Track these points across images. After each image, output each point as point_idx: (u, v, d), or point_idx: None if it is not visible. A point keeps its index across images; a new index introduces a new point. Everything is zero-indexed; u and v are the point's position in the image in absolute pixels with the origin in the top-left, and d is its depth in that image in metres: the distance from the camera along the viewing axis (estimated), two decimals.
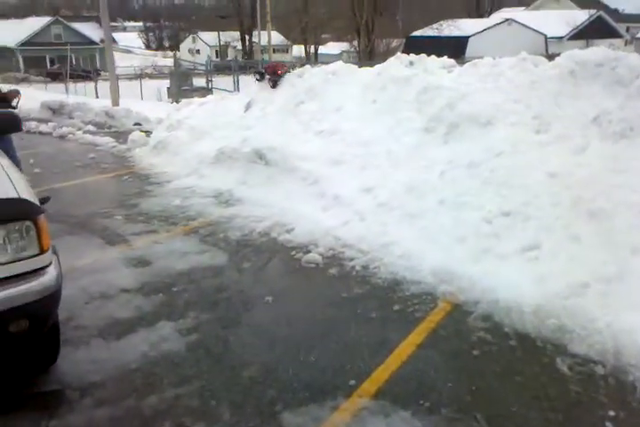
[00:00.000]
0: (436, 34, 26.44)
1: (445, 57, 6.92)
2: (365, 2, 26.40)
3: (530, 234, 3.75)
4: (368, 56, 25.10)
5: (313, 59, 59.90)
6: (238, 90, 14.02)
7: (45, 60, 44.96)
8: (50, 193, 6.36)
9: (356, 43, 47.70)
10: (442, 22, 27.37)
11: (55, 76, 33.35)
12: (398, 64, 6.74)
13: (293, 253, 4.23)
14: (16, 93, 5.51)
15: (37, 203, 2.48)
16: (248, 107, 7.87)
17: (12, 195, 2.35)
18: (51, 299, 2.33)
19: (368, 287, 3.61)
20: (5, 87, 19.13)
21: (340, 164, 5.57)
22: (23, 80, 34.82)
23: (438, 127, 5.35)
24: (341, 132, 6.11)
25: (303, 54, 63.69)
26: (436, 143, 5.19)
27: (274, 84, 7.65)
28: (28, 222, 2.29)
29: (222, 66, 26.07)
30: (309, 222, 4.73)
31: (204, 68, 20.64)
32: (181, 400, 2.53)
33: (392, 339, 2.99)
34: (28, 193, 2.50)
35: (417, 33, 27.84)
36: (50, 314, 2.42)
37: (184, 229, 4.88)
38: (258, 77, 8.05)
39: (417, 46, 21.94)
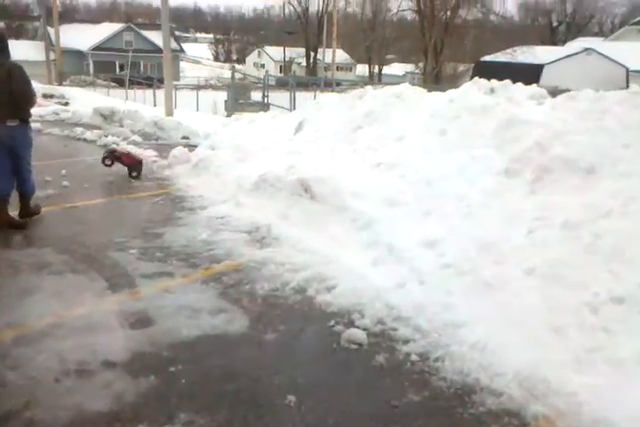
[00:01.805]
0: (508, 60, 25.22)
1: (520, 84, 5.95)
2: (436, 22, 25.51)
3: None
4: (434, 79, 24.13)
5: (377, 79, 59.43)
6: (294, 107, 13.33)
7: (115, 66, 46.06)
8: (71, 213, 5.73)
9: (421, 64, 46.95)
10: (516, 48, 26.16)
11: (121, 82, 33.87)
12: (476, 90, 5.82)
13: (332, 322, 3.33)
14: None
15: None
16: (299, 128, 7.08)
17: None
18: None
19: (427, 394, 2.66)
20: (62, 89, 19.12)
21: (397, 205, 4.67)
22: (90, 84, 35.60)
23: (524, 171, 4.38)
24: (402, 166, 5.22)
25: (367, 73, 63.36)
26: (520, 191, 4.22)
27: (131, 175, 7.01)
28: None
29: (284, 81, 25.64)
30: (355, 279, 3.83)
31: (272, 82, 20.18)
32: None
33: None
34: None
35: (488, 58, 26.69)
36: None
37: (204, 273, 4.06)
38: (108, 163, 7.19)
39: (487, 71, 20.84)
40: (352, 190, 4.88)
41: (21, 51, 44.30)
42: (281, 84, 25.72)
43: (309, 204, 5.13)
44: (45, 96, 16.31)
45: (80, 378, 2.66)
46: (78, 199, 6.04)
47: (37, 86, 17.36)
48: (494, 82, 5.79)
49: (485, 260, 3.63)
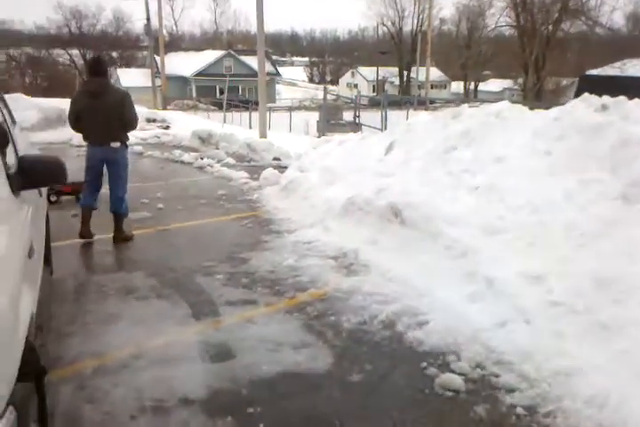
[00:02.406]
0: (617, 73, 23.62)
1: (638, 100, 5.35)
2: (537, 36, 24.44)
3: None
4: (535, 95, 23.04)
5: (472, 95, 58.10)
6: (386, 127, 13.11)
7: (215, 90, 48.22)
8: (163, 236, 5.78)
9: (520, 80, 45.36)
10: (625, 61, 24.50)
11: (220, 106, 35.32)
12: (584, 108, 5.32)
13: (424, 364, 3.03)
14: None
15: None
16: (389, 149, 6.84)
17: None
18: None
19: None
20: (164, 113, 20.02)
21: (497, 233, 4.28)
22: (192, 108, 37.43)
23: None
24: (502, 190, 4.81)
25: (461, 90, 62.12)
26: None
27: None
28: None
29: (376, 101, 25.54)
30: (450, 315, 3.50)
31: (364, 101, 20.15)
32: None
33: None
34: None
35: (594, 71, 25.16)
36: None
37: (288, 303, 3.89)
38: (53, 199, 6.59)
39: (593, 86, 19.57)
40: (446, 216, 4.55)
41: (131, 78, 47.67)
42: (373, 104, 25.66)
43: (400, 230, 4.85)
44: (148, 120, 17.19)
45: (155, 416, 2.54)
46: (171, 222, 6.13)
47: (142, 111, 18.41)
48: (606, 98, 5.26)
49: (602, 298, 3.18)
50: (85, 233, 5.20)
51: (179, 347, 3.18)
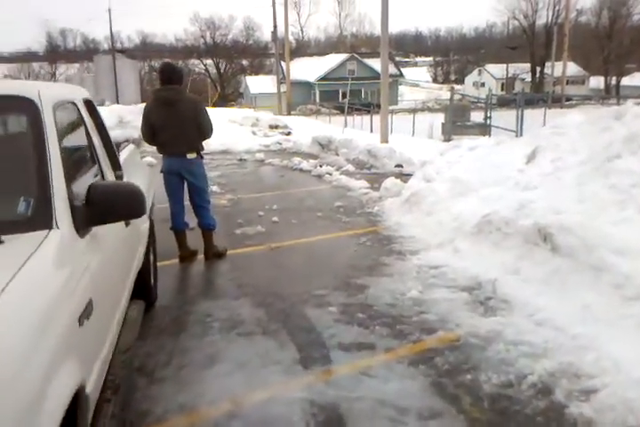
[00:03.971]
0: None
1: None
2: None
3: None
4: None
5: (614, 91, 53.20)
6: (521, 130, 11.90)
7: (338, 94, 48.42)
8: (275, 255, 5.27)
9: None
10: None
11: (342, 109, 35.27)
12: None
13: None
14: None
15: None
16: (532, 157, 5.92)
17: None
18: None
19: None
20: (286, 119, 20.20)
21: None
22: (315, 112, 37.77)
23: None
24: None
25: (601, 86, 57.12)
26: None
27: None
28: None
29: (507, 99, 23.86)
30: (629, 382, 2.65)
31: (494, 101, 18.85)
32: None
33: None
34: None
35: None
36: None
37: (413, 349, 3.24)
38: None
39: None
40: (613, 243, 3.64)
41: (259, 84, 49.29)
42: (502, 104, 24.00)
43: (549, 257, 4.01)
44: (271, 127, 17.26)
45: None
46: (284, 237, 5.72)
47: (265, 117, 18.57)
48: None
49: None
50: (186, 255, 4.91)
51: (281, 406, 2.65)
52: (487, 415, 2.56)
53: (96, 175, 2.52)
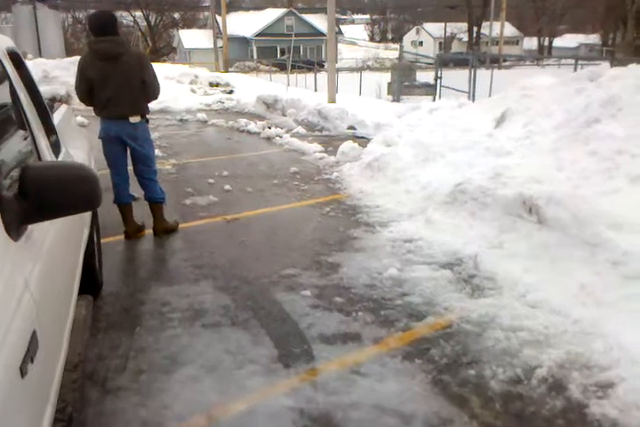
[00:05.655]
0: None
1: None
2: None
3: None
4: (634, 51, 20.64)
5: (546, 52, 54.20)
6: (474, 92, 11.65)
7: (276, 51, 46.87)
8: (232, 229, 4.71)
9: (595, 35, 41.27)
10: None
11: (282, 67, 34.10)
12: None
13: None
14: None
15: None
16: (501, 120, 5.64)
17: None
18: None
19: None
20: (227, 76, 19.22)
21: None
22: (253, 69, 36.36)
23: None
24: None
25: (534, 47, 57.98)
26: None
27: None
28: None
29: (452, 59, 23.60)
30: None
31: (430, 61, 18.53)
32: None
33: None
34: None
35: None
36: None
37: (403, 339, 2.90)
38: None
39: None
40: (609, 217, 3.39)
41: (192, 39, 46.87)
42: (444, 63, 23.66)
43: (536, 231, 3.74)
44: (211, 84, 16.34)
45: None
46: (240, 208, 5.23)
47: (204, 74, 17.54)
48: None
49: None
50: (132, 231, 4.36)
51: (265, 419, 2.26)
52: (502, 420, 2.27)
53: (28, 147, 1.95)
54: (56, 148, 2.40)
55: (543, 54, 53.25)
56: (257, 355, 2.73)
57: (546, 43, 58.67)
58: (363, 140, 7.99)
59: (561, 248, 3.49)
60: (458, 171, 5.01)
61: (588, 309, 2.99)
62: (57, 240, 1.84)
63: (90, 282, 2.91)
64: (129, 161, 4.33)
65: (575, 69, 10.05)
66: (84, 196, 1.45)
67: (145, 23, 56.81)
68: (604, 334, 2.76)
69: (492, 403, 2.37)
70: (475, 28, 56.99)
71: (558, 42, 58.40)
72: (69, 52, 29.35)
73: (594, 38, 51.36)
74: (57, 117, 2.95)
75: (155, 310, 3.21)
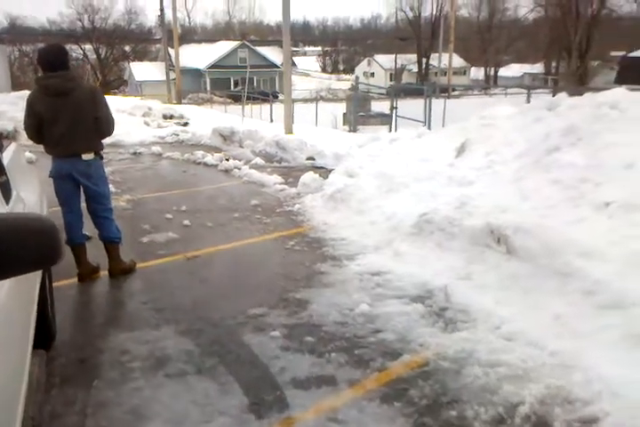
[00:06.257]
0: None
1: None
2: (582, 18, 22.88)
3: None
4: (578, 80, 21.56)
5: (492, 81, 56.29)
6: (428, 121, 11.87)
7: (230, 82, 47.07)
8: (193, 267, 4.48)
9: (539, 65, 43.24)
10: None
11: (236, 98, 34.18)
12: None
13: None
14: None
15: None
16: (462, 150, 5.69)
17: None
18: None
19: None
20: (181, 108, 19.02)
21: None
22: (207, 101, 36.33)
23: None
24: None
25: (480, 77, 60.22)
26: None
27: None
28: None
29: (404, 89, 24.12)
30: (629, 407, 2.37)
31: (382, 91, 18.91)
32: None
33: None
34: None
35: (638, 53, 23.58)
36: None
37: (379, 380, 2.78)
38: None
39: (637, 68, 18.19)
40: (578, 247, 3.40)
41: (144, 71, 46.67)
42: (397, 94, 24.20)
43: (505, 261, 3.72)
44: (165, 117, 16.15)
45: None
46: (201, 244, 5.05)
47: (157, 107, 17.36)
48: None
49: None
50: (86, 273, 4.12)
51: None
52: None
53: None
54: (6, 191, 2.22)
55: (490, 84, 55.31)
56: (226, 405, 2.56)
57: (492, 72, 60.96)
58: (323, 171, 7.96)
59: (531, 278, 3.46)
60: (422, 201, 5.00)
61: (563, 340, 2.94)
62: (8, 295, 1.66)
63: (42, 333, 2.68)
64: (83, 198, 4.13)
65: (528, 99, 10.37)
66: (44, 250, 1.29)
67: (95, 56, 56.35)
68: (582, 366, 2.71)
69: None
70: (424, 60, 58.93)
71: (504, 71, 60.84)
72: (16, 86, 28.72)
73: (538, 67, 53.69)
74: (6, 157, 2.77)
75: (113, 359, 2.99)
